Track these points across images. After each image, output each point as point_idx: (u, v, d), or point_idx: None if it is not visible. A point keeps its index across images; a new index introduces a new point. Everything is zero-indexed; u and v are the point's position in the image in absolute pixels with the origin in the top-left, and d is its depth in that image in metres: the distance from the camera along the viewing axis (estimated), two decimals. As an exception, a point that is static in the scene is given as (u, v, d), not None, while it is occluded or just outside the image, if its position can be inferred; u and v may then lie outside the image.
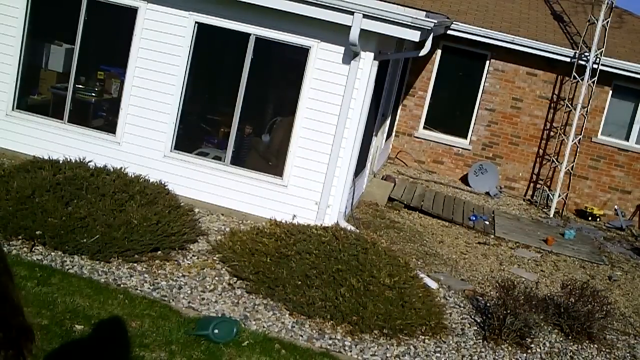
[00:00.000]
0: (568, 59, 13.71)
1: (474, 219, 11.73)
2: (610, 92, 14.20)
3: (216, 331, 5.87)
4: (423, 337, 6.84)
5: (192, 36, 8.88)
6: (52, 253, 6.86)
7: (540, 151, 14.52)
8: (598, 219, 13.93)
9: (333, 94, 8.60)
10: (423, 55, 9.09)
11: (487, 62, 14.43)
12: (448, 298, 7.96)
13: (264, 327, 6.40)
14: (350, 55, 8.44)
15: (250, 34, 8.71)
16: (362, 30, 8.01)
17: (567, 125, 14.11)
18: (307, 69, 8.66)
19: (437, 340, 6.86)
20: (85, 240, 6.94)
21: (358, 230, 8.57)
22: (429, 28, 8.02)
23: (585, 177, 14.42)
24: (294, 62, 8.88)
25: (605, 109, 14.27)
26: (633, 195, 14.34)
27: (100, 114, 9.75)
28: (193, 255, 7.53)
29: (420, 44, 8.66)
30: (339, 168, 8.67)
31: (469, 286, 8.55)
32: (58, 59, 9.54)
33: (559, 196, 13.78)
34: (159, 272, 7.02)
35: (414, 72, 14.57)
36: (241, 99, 8.87)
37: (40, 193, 7.29)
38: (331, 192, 8.71)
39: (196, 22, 8.84)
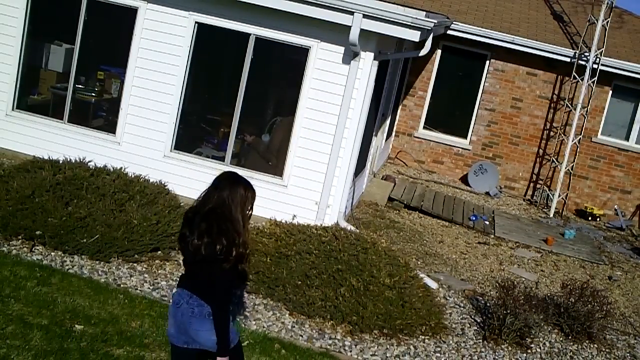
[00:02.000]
0: (568, 59, 13.71)
1: (474, 219, 11.73)
2: (610, 92, 14.20)
3: (216, 331, 5.86)
4: (423, 337, 6.84)
5: (192, 36, 8.88)
6: (52, 253, 6.86)
7: (540, 151, 14.52)
8: (598, 219, 13.94)
9: (333, 94, 8.60)
10: (423, 55, 9.10)
11: (487, 62, 14.43)
12: (448, 298, 7.96)
13: (264, 327, 6.40)
14: (350, 55, 8.44)
15: (250, 34, 8.71)
16: (362, 30, 8.02)
17: (567, 125, 14.11)
18: (307, 69, 8.66)
19: (437, 340, 6.86)
20: (85, 240, 6.94)
21: (358, 230, 8.56)
22: (429, 28, 8.02)
23: (585, 177, 14.42)
24: (294, 62, 8.88)
25: (605, 109, 14.27)
26: (633, 195, 14.34)
27: (100, 114, 9.75)
28: (193, 255, 7.52)
29: (420, 44, 8.66)
30: (338, 168, 8.67)
31: (469, 286, 8.56)
32: (58, 59, 9.53)
33: (559, 196, 13.78)
34: (159, 272, 7.02)
35: (414, 72, 14.57)
36: (241, 99, 8.87)
37: (40, 193, 7.28)
38: (331, 192, 8.71)
39: (196, 22, 8.84)
